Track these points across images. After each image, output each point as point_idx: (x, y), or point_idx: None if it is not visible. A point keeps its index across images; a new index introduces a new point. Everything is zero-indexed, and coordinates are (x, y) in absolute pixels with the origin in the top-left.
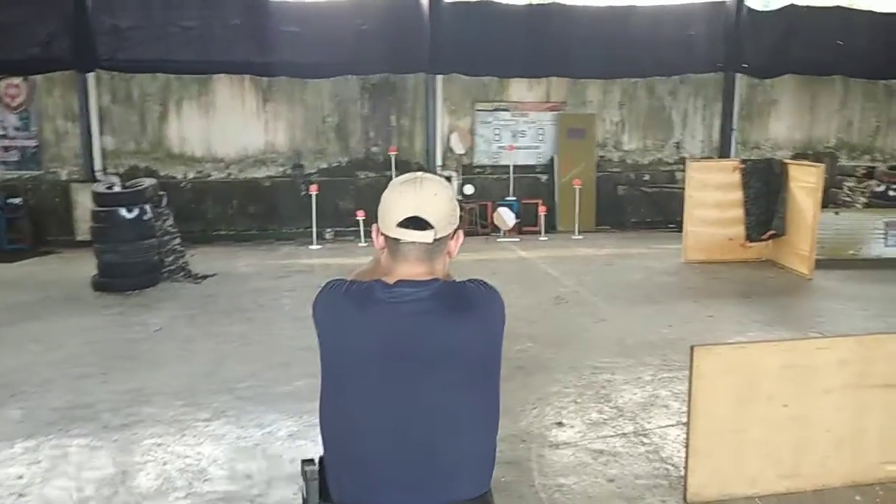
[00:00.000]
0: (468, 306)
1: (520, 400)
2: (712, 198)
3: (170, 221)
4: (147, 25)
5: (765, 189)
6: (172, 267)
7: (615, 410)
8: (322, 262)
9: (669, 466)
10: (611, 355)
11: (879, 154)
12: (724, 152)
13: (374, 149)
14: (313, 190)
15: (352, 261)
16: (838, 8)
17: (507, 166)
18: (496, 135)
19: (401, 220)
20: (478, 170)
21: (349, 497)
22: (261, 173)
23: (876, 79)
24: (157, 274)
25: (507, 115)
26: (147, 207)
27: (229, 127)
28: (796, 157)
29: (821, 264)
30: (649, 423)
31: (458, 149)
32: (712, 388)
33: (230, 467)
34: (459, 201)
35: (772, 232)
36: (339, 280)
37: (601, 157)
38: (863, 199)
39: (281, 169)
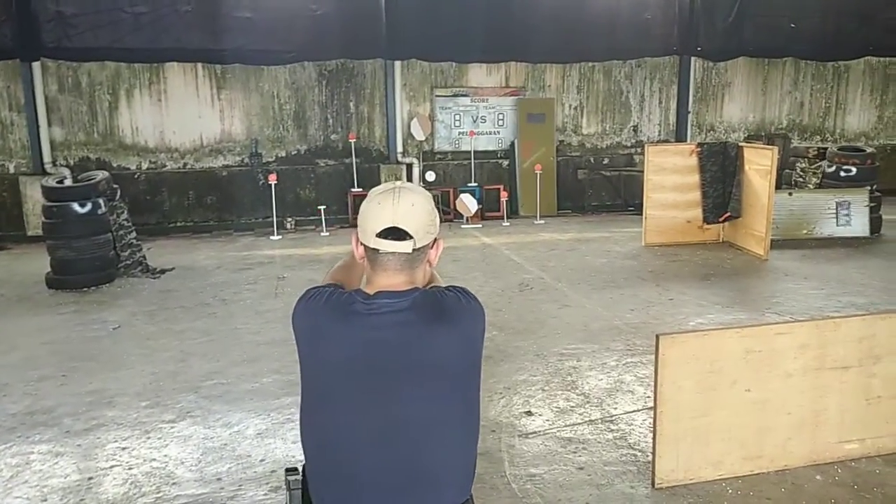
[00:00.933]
0: (447, 317)
1: (488, 390)
2: (670, 181)
3: (124, 215)
4: (94, 12)
5: (721, 172)
6: (129, 262)
7: (582, 397)
8: (284, 252)
9: (637, 452)
10: (576, 341)
11: (830, 135)
12: (680, 135)
13: (333, 136)
14: (272, 179)
15: (314, 251)
16: None
17: (468, 152)
18: (456, 121)
19: (379, 230)
20: (439, 156)
21: None
22: (217, 163)
23: (825, 60)
24: (114, 269)
25: (466, 100)
26: (100, 201)
27: (183, 116)
28: (749, 138)
29: (776, 245)
30: (615, 408)
31: (419, 135)
32: (677, 376)
33: (199, 469)
34: (422, 187)
35: (728, 214)
36: (318, 289)
37: (561, 141)
38: (815, 180)
39: (238, 158)
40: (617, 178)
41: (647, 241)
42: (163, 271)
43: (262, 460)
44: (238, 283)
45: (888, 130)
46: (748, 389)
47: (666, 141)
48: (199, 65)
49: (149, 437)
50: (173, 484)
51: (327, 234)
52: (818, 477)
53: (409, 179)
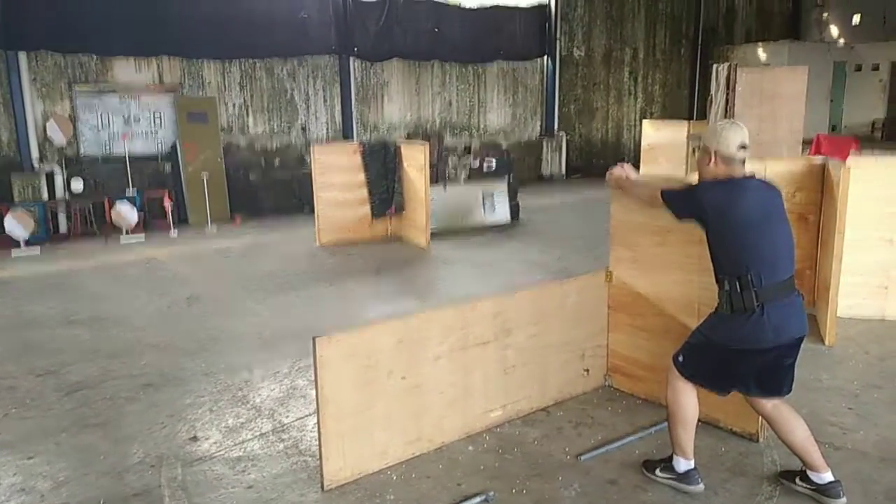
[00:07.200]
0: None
1: (147, 421)
2: (338, 180)
3: None
4: None
5: (384, 169)
6: None
7: (253, 411)
8: None
9: (308, 458)
10: (249, 352)
11: (476, 131)
12: (347, 134)
13: None
14: None
15: None
16: (430, 1)
17: (123, 156)
18: (105, 121)
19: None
20: (87, 162)
21: None
22: None
23: (466, 63)
24: None
25: (115, 98)
26: None
27: None
28: (410, 136)
29: (436, 235)
30: (287, 417)
31: (59, 139)
32: (337, 375)
33: None
34: (67, 201)
35: (393, 209)
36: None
37: (228, 142)
38: (464, 174)
39: None
40: (291, 180)
41: (321, 240)
42: None
43: None
44: None
45: (520, 127)
46: (403, 377)
47: (335, 140)
48: None
49: None
50: None
51: None
52: (470, 447)
53: (52, 190)
